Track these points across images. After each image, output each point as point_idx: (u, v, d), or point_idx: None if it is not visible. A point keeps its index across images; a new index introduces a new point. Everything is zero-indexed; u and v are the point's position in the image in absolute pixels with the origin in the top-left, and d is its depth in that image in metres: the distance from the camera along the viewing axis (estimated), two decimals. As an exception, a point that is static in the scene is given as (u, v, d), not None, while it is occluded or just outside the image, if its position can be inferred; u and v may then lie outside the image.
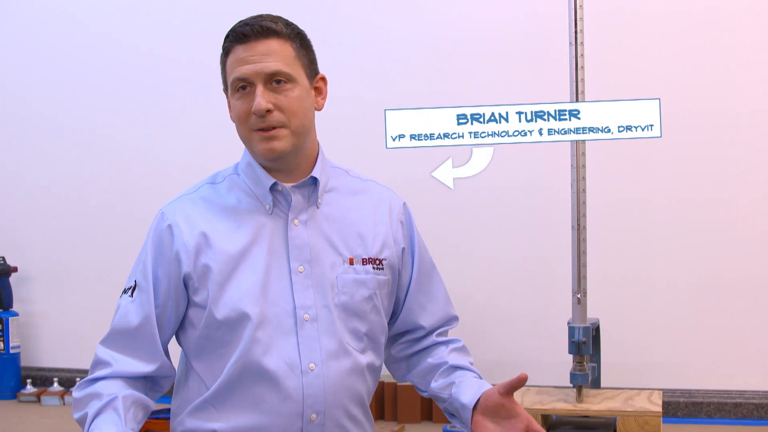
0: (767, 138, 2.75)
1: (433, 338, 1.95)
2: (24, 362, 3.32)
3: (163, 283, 1.75)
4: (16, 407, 3.10)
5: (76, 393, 1.74)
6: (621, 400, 2.34)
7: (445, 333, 1.98)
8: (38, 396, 3.14)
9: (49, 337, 3.37)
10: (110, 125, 3.30)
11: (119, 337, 1.77)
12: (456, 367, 1.88)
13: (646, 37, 2.82)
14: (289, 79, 1.73)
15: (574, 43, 2.36)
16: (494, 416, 1.73)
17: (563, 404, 2.32)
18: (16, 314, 3.28)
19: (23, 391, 3.18)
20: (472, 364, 1.92)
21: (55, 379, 3.20)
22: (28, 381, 3.21)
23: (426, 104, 2.98)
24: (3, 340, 3.23)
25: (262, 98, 1.70)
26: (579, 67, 2.36)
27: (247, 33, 1.72)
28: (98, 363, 1.76)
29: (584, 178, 2.37)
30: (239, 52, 1.73)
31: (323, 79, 1.83)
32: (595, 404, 2.30)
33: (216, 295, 1.72)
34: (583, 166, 2.36)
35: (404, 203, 1.93)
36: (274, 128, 1.72)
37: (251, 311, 1.71)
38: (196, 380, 1.77)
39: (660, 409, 2.24)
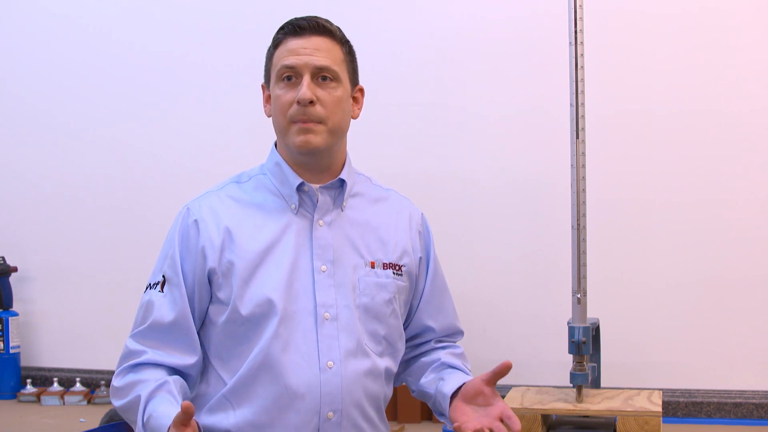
0: (767, 138, 2.75)
1: (432, 344, 1.99)
2: (24, 362, 3.31)
3: (189, 278, 1.76)
4: (16, 407, 3.10)
5: (117, 382, 1.73)
6: (621, 400, 2.34)
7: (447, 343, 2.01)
8: (38, 396, 3.14)
9: (49, 337, 3.37)
10: (111, 125, 3.30)
11: (153, 333, 1.75)
12: (447, 365, 1.91)
13: (646, 37, 2.82)
14: (335, 77, 1.77)
15: (574, 43, 2.35)
16: (472, 403, 1.76)
17: (563, 404, 2.32)
18: (16, 314, 3.28)
19: (23, 391, 3.18)
20: (468, 369, 1.94)
21: (55, 379, 3.20)
22: (28, 381, 3.21)
23: (426, 104, 3.00)
24: (3, 340, 3.23)
25: (307, 88, 1.73)
26: (579, 67, 2.35)
27: (303, 26, 1.76)
28: (131, 354, 1.74)
29: (584, 178, 2.36)
30: (291, 43, 1.76)
31: (361, 90, 1.88)
32: (595, 404, 2.30)
33: (240, 291, 1.73)
34: (583, 166, 2.36)
35: (422, 214, 1.97)
36: (312, 122, 1.74)
37: (274, 306, 1.72)
38: (214, 376, 1.78)
39: (660, 409, 2.24)
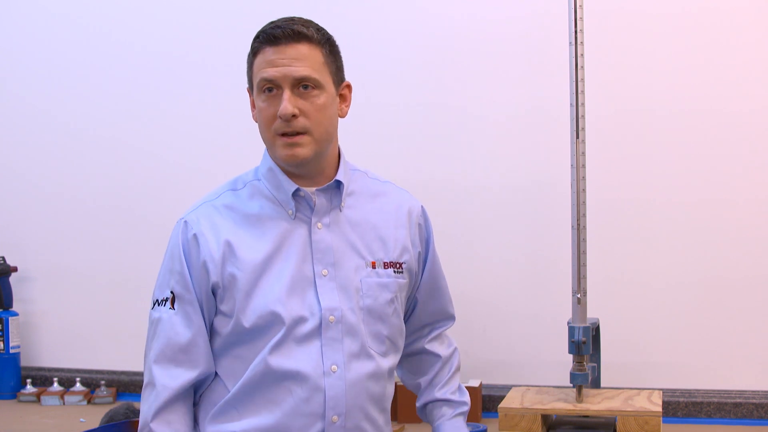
0: (767, 138, 2.75)
1: (424, 345, 2.01)
2: (24, 362, 3.32)
3: (196, 293, 1.75)
4: (16, 407, 3.10)
5: None
6: (621, 400, 2.34)
7: (439, 335, 2.03)
8: (38, 396, 3.14)
9: (49, 337, 3.37)
10: (111, 125, 3.30)
11: (172, 352, 1.73)
12: (438, 404, 1.98)
13: (646, 37, 2.82)
14: (317, 85, 1.73)
15: (574, 43, 2.35)
16: None
17: (563, 404, 2.32)
18: (16, 314, 3.28)
19: (23, 391, 3.18)
20: (455, 370, 2.02)
21: (55, 379, 3.20)
22: (28, 381, 3.21)
23: (426, 104, 3.00)
24: (3, 340, 3.23)
25: (288, 103, 1.70)
26: (579, 67, 2.35)
27: (278, 35, 1.71)
28: (153, 385, 1.73)
29: (584, 178, 2.37)
30: (268, 53, 1.72)
31: (348, 86, 1.83)
32: (595, 404, 2.30)
33: (243, 304, 1.72)
34: (583, 166, 2.36)
35: (422, 206, 1.95)
36: (298, 134, 1.72)
37: (279, 318, 1.71)
38: (217, 383, 1.77)
39: (660, 409, 2.24)
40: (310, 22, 1.77)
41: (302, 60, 1.72)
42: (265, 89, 1.73)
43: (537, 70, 2.89)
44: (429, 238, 1.96)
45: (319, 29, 1.77)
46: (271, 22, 1.75)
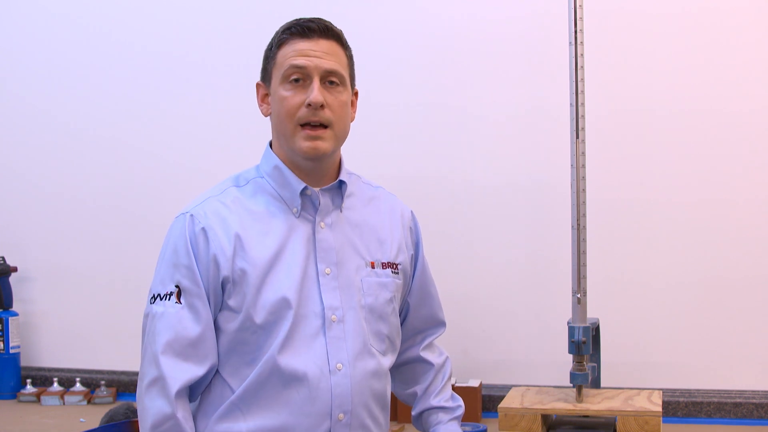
0: (767, 138, 2.75)
1: (418, 352, 2.02)
2: (24, 362, 3.32)
3: (203, 288, 1.74)
4: (16, 407, 3.10)
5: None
6: (621, 400, 2.34)
7: (431, 344, 2.04)
8: (38, 396, 3.14)
9: (49, 337, 3.37)
10: (111, 125, 3.30)
11: (181, 347, 1.71)
12: (434, 411, 1.99)
13: (646, 37, 2.82)
14: (342, 81, 1.78)
15: (574, 43, 2.36)
16: None
17: (563, 404, 2.32)
18: (16, 314, 3.28)
19: (23, 391, 3.18)
20: (448, 378, 2.03)
21: (55, 379, 3.20)
22: (28, 381, 3.21)
23: (426, 104, 3.00)
24: (3, 340, 3.23)
25: (319, 92, 1.73)
26: (579, 67, 2.35)
27: (312, 28, 1.76)
28: (164, 379, 1.69)
29: (584, 178, 2.37)
30: (300, 44, 1.76)
31: (356, 93, 1.88)
32: (595, 404, 2.31)
33: (253, 300, 1.72)
34: (583, 166, 2.36)
35: (411, 211, 1.98)
36: (321, 126, 1.75)
37: (288, 305, 1.72)
38: (219, 384, 1.76)
39: (660, 409, 2.25)
40: (334, 25, 1.82)
41: (333, 55, 1.77)
42: (292, 79, 1.75)
43: (537, 70, 2.89)
44: (419, 242, 1.98)
45: (343, 33, 1.82)
46: (299, 18, 1.79)
